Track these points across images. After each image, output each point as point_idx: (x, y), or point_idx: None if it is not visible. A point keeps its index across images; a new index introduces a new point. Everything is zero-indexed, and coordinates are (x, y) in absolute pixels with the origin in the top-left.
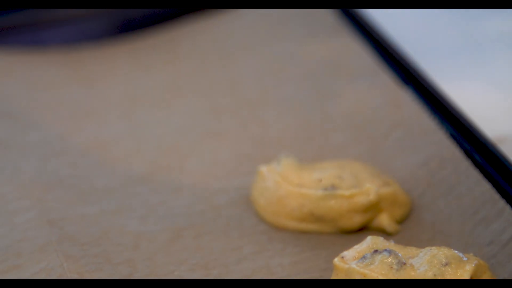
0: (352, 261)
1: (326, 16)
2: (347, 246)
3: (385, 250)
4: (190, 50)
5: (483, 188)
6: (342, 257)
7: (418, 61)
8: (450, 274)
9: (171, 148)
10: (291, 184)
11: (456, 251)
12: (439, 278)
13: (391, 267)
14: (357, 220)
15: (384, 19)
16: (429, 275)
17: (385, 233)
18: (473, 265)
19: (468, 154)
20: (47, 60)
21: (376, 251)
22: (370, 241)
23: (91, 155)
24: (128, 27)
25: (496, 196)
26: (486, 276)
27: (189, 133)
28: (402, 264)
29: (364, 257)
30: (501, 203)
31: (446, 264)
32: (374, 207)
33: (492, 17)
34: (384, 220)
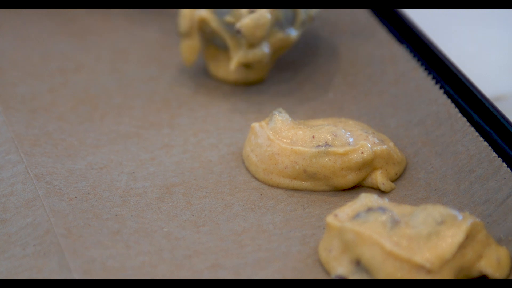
0: (345, 219)
1: None
2: (341, 204)
3: (379, 208)
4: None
5: (479, 146)
6: (335, 215)
7: (414, 18)
8: (445, 232)
9: (162, 104)
10: (283, 141)
11: (451, 210)
12: (434, 236)
13: (385, 225)
14: (351, 178)
15: None
16: (423, 234)
17: (379, 191)
18: (468, 223)
19: (465, 112)
20: (37, 13)
21: (370, 209)
22: (363, 199)
23: (80, 110)
24: None
25: (492, 154)
26: (482, 235)
27: (181, 88)
28: (396, 222)
29: (357, 215)
30: (498, 161)
31: (441, 223)
32: (368, 165)
33: None
34: (378, 178)
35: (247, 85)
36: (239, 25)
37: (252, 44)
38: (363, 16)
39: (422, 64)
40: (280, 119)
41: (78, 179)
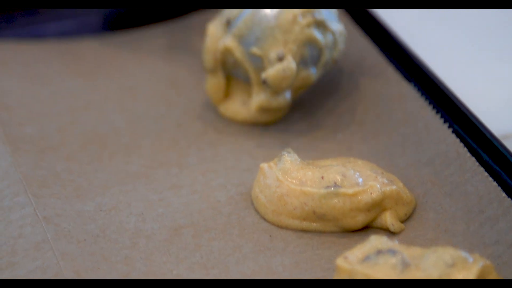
0: (355, 262)
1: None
2: (350, 246)
3: (389, 250)
4: (188, 44)
5: (489, 186)
6: (345, 257)
7: (422, 56)
8: (456, 275)
9: (171, 143)
10: (293, 182)
11: (462, 252)
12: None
13: (395, 268)
14: (360, 219)
15: (388, 14)
16: (434, 276)
17: (388, 232)
18: (479, 266)
19: (474, 151)
20: (45, 52)
21: (380, 251)
22: (373, 241)
23: (89, 149)
24: (126, 23)
25: (502, 194)
26: (492, 277)
27: (189, 128)
28: (406, 264)
29: (367, 258)
30: (507, 201)
31: (452, 265)
32: (377, 206)
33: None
34: (388, 218)
35: (256, 125)
36: (265, 75)
37: (277, 92)
38: (371, 54)
39: (430, 103)
40: (289, 159)
41: (87, 221)
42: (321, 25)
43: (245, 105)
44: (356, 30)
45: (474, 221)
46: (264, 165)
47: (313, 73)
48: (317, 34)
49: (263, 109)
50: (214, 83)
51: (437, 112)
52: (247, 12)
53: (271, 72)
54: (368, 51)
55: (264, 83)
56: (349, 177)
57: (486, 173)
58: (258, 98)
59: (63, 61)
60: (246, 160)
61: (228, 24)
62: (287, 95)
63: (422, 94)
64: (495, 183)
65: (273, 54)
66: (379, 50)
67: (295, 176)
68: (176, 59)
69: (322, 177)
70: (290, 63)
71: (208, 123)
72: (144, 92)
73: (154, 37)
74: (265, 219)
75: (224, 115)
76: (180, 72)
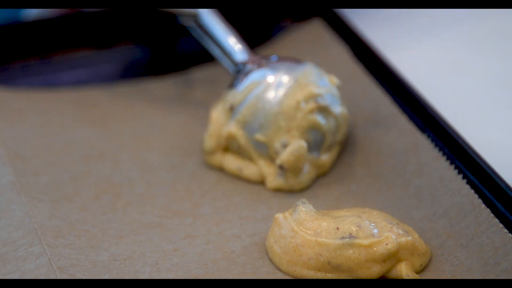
0: None
1: (343, 59)
2: None
3: None
4: (204, 94)
5: (505, 238)
6: None
7: (436, 105)
8: None
9: (185, 193)
10: (307, 232)
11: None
12: None
13: None
14: (375, 270)
15: (401, 62)
16: None
17: None
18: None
19: (489, 202)
20: (59, 101)
21: None
22: None
23: (103, 199)
24: (140, 72)
25: None
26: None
27: (203, 177)
28: None
29: None
30: None
31: None
32: (393, 257)
33: None
34: (403, 269)
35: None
36: (280, 162)
37: (296, 174)
38: (384, 105)
39: (444, 153)
40: (304, 210)
41: (101, 271)
42: (324, 110)
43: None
44: (369, 80)
45: (490, 273)
46: (279, 216)
47: (322, 158)
48: (320, 120)
49: (282, 190)
50: (211, 160)
51: (451, 162)
52: (251, 98)
53: (285, 157)
54: (381, 100)
55: (281, 169)
56: (364, 228)
57: (501, 225)
58: (276, 182)
59: (77, 110)
60: (261, 210)
61: (232, 109)
62: (306, 170)
63: (436, 144)
64: (510, 235)
65: (277, 144)
66: (392, 99)
67: (310, 227)
68: (188, 110)
69: (337, 228)
70: (298, 142)
71: (223, 172)
72: (158, 142)
73: (166, 87)
74: (279, 270)
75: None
76: (193, 123)
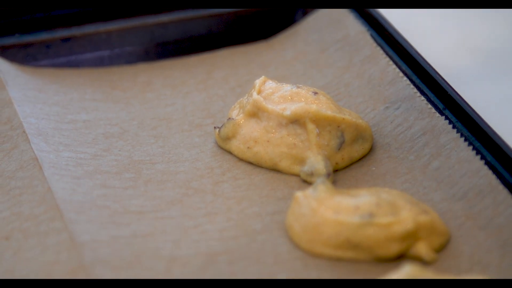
0: None
1: (365, 41)
2: (383, 275)
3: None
4: (225, 73)
5: None
6: None
7: (454, 86)
8: None
9: (205, 171)
10: (327, 211)
11: None
12: None
13: None
14: (394, 249)
15: (422, 44)
16: None
17: (422, 262)
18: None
19: (507, 183)
20: (81, 80)
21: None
22: (407, 269)
23: (124, 176)
24: (163, 52)
25: None
26: None
27: (224, 156)
28: None
29: None
30: None
31: None
32: (412, 235)
33: None
34: (422, 248)
35: None
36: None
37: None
38: (404, 86)
39: (462, 135)
40: (324, 188)
41: (122, 247)
42: None
43: None
44: (389, 61)
45: (509, 254)
46: (299, 194)
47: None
48: None
49: None
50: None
51: (470, 144)
52: None
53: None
54: (400, 82)
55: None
56: (384, 207)
57: None
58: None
59: (98, 89)
60: (281, 189)
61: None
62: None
63: (455, 126)
64: None
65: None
66: (411, 80)
67: (329, 206)
68: (211, 89)
69: (357, 207)
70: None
71: None
72: (179, 121)
73: (188, 67)
74: (299, 248)
75: None
76: (215, 102)
